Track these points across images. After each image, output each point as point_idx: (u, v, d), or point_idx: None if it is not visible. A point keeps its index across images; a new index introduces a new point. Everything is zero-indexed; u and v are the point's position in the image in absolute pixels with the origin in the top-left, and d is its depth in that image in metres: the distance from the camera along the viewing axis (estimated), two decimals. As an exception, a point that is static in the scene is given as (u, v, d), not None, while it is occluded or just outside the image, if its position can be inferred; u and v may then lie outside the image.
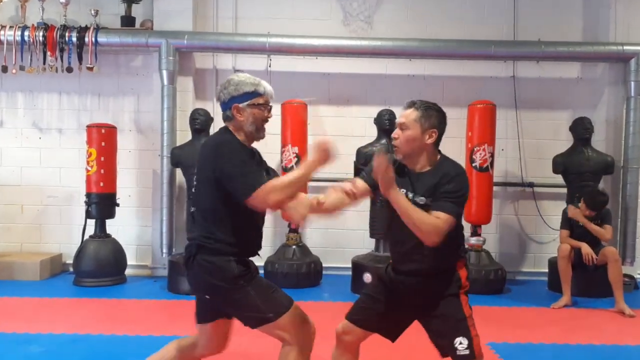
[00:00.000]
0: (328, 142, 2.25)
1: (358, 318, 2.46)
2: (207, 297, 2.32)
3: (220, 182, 2.20)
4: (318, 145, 2.26)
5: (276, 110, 5.63)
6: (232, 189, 2.18)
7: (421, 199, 2.25)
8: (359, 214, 5.46)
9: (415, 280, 2.34)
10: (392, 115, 5.35)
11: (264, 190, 2.15)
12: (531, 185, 6.04)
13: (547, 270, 5.57)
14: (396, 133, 2.33)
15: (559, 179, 5.64)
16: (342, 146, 5.65)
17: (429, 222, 2.18)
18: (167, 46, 5.60)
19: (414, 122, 2.29)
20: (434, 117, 2.31)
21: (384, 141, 5.31)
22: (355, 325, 2.45)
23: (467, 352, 2.19)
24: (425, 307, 2.34)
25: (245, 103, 2.28)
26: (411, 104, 2.34)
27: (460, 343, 2.20)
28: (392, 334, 2.49)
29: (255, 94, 2.29)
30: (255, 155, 2.40)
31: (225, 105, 2.31)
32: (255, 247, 2.38)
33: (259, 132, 2.33)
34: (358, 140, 5.55)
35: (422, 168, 2.34)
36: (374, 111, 5.52)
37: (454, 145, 5.89)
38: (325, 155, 2.26)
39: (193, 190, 2.38)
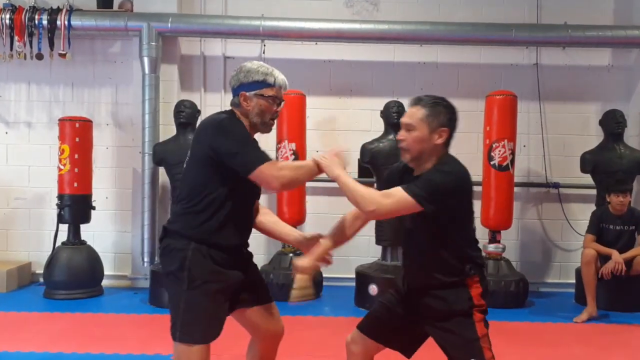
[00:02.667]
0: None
1: (369, 328, 2.49)
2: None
3: (215, 161, 2.28)
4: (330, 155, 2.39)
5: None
6: (235, 164, 2.26)
7: None
8: (364, 218, 5.45)
9: (422, 296, 2.38)
10: (400, 107, 5.33)
11: (275, 166, 2.29)
12: (556, 185, 6.04)
13: (574, 281, 5.56)
14: (402, 134, 2.34)
15: (587, 178, 5.64)
16: (345, 142, 5.77)
17: (368, 195, 2.25)
18: (148, 30, 5.58)
19: (421, 122, 2.30)
20: (443, 115, 2.32)
21: (391, 137, 5.29)
22: (366, 335, 2.48)
23: None
24: (435, 322, 2.36)
25: (253, 92, 2.38)
26: (417, 101, 2.35)
27: None
28: (407, 350, 2.52)
29: (264, 84, 2.38)
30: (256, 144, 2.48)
31: (234, 92, 2.43)
32: (233, 241, 2.39)
33: (264, 126, 2.43)
34: (363, 135, 5.55)
35: (425, 170, 2.33)
36: (380, 103, 5.50)
37: (469, 141, 5.92)
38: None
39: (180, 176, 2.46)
